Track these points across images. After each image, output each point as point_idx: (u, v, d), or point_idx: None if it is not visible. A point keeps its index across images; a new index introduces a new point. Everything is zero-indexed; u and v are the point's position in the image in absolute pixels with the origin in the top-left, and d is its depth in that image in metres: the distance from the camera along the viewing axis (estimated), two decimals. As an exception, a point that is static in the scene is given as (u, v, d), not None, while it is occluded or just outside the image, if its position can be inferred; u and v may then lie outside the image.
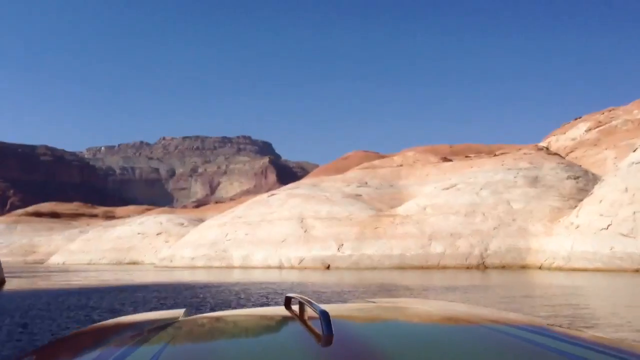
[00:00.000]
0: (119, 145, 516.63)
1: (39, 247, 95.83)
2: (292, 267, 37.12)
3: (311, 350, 1.04)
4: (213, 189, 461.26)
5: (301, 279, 26.16)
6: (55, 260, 76.84)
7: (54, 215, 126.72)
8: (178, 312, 1.64)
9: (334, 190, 45.68)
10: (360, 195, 44.33)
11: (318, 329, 1.10)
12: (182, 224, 69.11)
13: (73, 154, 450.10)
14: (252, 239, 41.27)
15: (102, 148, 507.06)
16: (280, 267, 37.79)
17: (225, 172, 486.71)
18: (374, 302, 1.80)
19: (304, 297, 1.36)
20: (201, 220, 70.90)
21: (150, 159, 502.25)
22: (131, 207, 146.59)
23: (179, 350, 1.13)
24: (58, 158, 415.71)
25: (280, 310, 1.53)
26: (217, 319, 1.57)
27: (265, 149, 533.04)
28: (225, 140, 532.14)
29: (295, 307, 1.44)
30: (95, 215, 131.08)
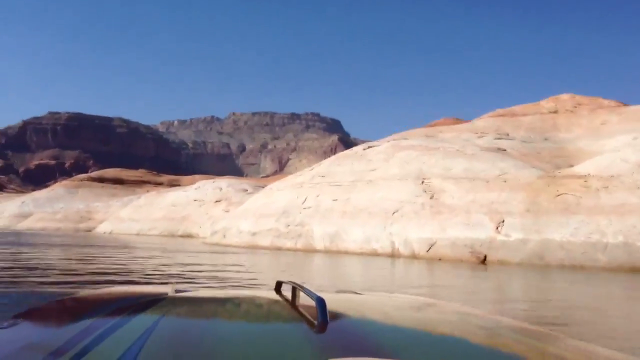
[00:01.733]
0: (190, 119, 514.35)
1: (95, 213, 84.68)
2: (414, 256, 21.86)
3: (306, 336, 1.01)
4: (282, 166, 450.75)
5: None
6: (104, 228, 64.72)
7: (118, 181, 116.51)
8: (167, 288, 1.55)
9: (462, 143, 29.98)
10: (505, 150, 28.44)
11: (312, 316, 1.07)
12: (246, 190, 55.03)
13: (147, 127, 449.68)
14: (344, 208, 26.22)
15: (175, 122, 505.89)
16: (393, 255, 22.61)
17: (294, 149, 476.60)
18: (373, 294, 1.75)
19: (297, 282, 1.33)
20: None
21: (221, 133, 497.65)
22: (197, 177, 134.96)
23: (171, 325, 1.10)
24: (133, 130, 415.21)
25: (272, 294, 1.48)
26: (209, 298, 1.55)
27: (334, 126, 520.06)
28: (294, 117, 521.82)
29: (287, 293, 1.41)
30: (160, 184, 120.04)
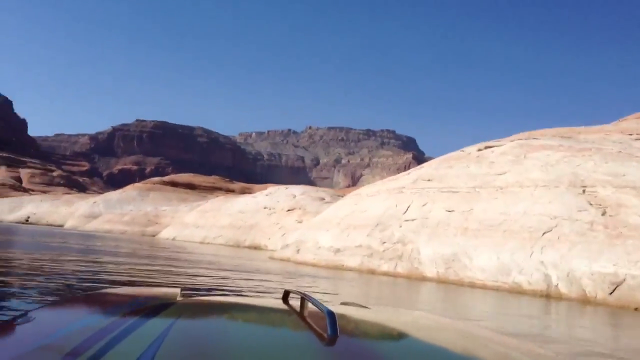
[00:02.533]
0: (268, 131, 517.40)
1: (162, 217, 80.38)
2: (585, 299, 13.94)
3: (317, 348, 0.99)
4: (355, 181, 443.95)
5: None
6: (167, 234, 59.59)
7: (190, 186, 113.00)
8: (175, 292, 1.54)
9: (617, 145, 21.81)
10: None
11: (320, 328, 1.05)
12: (323, 199, 48.12)
13: (226, 137, 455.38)
14: (465, 223, 18.63)
15: (253, 133, 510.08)
16: (548, 294, 14.75)
17: (367, 165, 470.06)
18: (380, 308, 1.77)
19: (306, 294, 1.31)
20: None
21: (297, 146, 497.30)
22: (270, 186, 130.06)
23: (183, 330, 1.09)
24: (213, 140, 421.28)
25: (279, 304, 1.47)
26: (218, 304, 1.54)
27: (408, 143, 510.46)
28: (369, 133, 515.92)
29: (294, 303, 1.40)
30: (232, 191, 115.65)
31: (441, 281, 17.28)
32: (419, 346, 1.14)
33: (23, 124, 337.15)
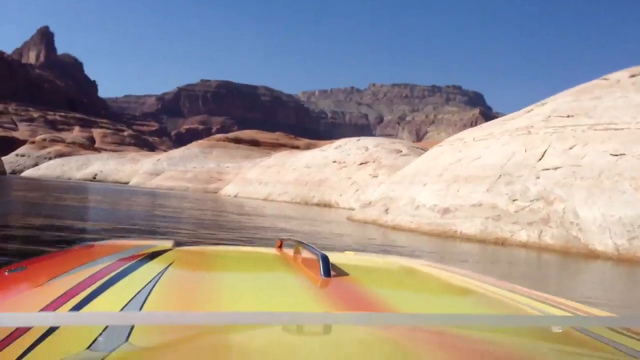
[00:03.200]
0: (331, 89, 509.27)
1: (225, 174, 76.51)
2: None
3: (309, 289, 1.00)
4: (420, 138, 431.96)
5: None
6: (228, 190, 55.19)
7: (254, 142, 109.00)
8: (168, 242, 1.54)
9: None
10: None
11: (315, 272, 1.05)
12: (400, 151, 41.98)
13: (289, 96, 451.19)
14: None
15: (316, 92, 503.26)
16: None
17: (432, 122, 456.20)
18: (369, 254, 1.79)
19: (300, 240, 1.34)
20: (424, 151, 43.38)
21: (360, 104, 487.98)
22: (336, 142, 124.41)
23: (177, 274, 1.10)
24: (276, 99, 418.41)
25: (273, 251, 1.51)
26: (211, 251, 1.55)
27: (475, 99, 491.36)
28: (434, 89, 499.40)
29: (289, 250, 1.45)
30: (296, 147, 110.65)
31: (622, 259, 11.20)
32: (411, 290, 1.15)
33: (93, 85, 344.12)
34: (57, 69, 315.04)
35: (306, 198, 43.24)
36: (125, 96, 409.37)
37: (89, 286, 0.89)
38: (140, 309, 0.79)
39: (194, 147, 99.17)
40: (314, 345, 0.63)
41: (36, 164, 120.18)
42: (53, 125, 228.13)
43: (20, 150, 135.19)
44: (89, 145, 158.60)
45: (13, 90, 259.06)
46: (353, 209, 36.16)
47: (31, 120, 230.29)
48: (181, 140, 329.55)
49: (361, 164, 41.29)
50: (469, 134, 21.10)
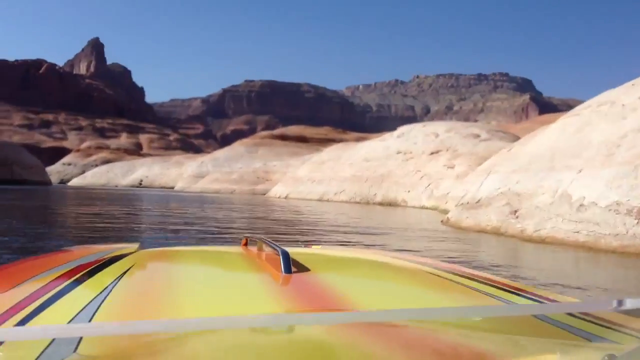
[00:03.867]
0: (375, 83, 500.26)
1: (272, 173, 70.91)
2: None
3: (270, 287, 1.00)
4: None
5: None
6: (277, 191, 49.32)
7: (301, 139, 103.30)
8: (133, 246, 1.54)
9: None
10: None
11: (277, 269, 1.05)
12: (477, 135, 34.99)
13: (334, 91, 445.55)
14: None
15: (360, 86, 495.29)
16: None
17: (481, 110, 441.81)
18: (333, 246, 1.87)
19: (263, 237, 1.34)
20: (506, 134, 36.11)
21: (405, 96, 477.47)
22: (387, 134, 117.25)
23: (135, 279, 1.08)
24: (320, 95, 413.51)
25: (238, 249, 1.51)
26: (175, 252, 1.53)
27: (524, 85, 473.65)
28: (480, 77, 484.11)
29: (253, 248, 1.45)
30: (346, 142, 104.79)
31: None
32: (372, 283, 1.15)
33: (141, 91, 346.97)
34: (107, 78, 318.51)
35: (367, 196, 36.90)
36: (171, 100, 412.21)
37: (38, 298, 0.85)
38: (92, 318, 0.76)
39: (238, 147, 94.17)
40: (270, 347, 0.62)
41: (83, 172, 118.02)
42: (101, 133, 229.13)
43: (66, 159, 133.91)
44: (135, 151, 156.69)
45: (63, 101, 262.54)
46: (426, 207, 29.61)
47: (80, 129, 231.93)
48: (227, 141, 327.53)
49: (432, 153, 34.61)
50: (622, 94, 14.23)
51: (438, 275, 1.17)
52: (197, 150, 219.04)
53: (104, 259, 1.23)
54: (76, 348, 0.60)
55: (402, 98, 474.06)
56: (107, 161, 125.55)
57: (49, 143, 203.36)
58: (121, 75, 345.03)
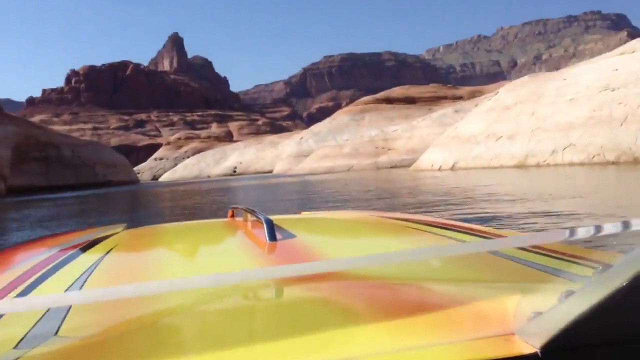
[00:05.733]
0: (456, 42, 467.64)
1: (393, 140, 54.40)
2: None
3: (254, 254, 1.00)
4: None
5: None
6: (433, 160, 32.48)
7: (409, 100, 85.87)
8: (119, 227, 1.52)
9: None
10: None
11: (262, 237, 1.04)
12: None
13: (414, 56, 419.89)
14: None
15: (441, 47, 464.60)
16: None
17: (573, 55, 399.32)
18: (317, 212, 1.76)
19: (248, 207, 1.32)
20: None
21: (489, 51, 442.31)
22: (506, 83, 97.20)
23: (122, 254, 1.08)
24: (401, 62, 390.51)
25: (224, 221, 1.49)
26: (160, 228, 1.52)
27: (618, 22, 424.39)
28: (570, 20, 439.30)
29: (239, 218, 1.43)
30: (459, 97, 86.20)
31: None
32: (355, 244, 1.16)
33: (225, 81, 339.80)
34: (191, 71, 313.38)
35: (629, 149, 19.49)
36: (255, 86, 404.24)
37: (23, 282, 0.85)
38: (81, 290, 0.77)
39: (341, 115, 78.26)
40: (245, 308, 0.63)
41: (175, 165, 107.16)
42: (192, 126, 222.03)
43: (157, 154, 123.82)
44: (225, 138, 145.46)
45: (153, 99, 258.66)
46: None
47: (172, 124, 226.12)
48: (313, 120, 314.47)
49: None
50: None
51: (414, 228, 1.18)
52: (286, 132, 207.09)
53: (91, 240, 1.22)
54: (57, 332, 0.60)
55: (486, 54, 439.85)
56: (198, 151, 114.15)
57: (145, 141, 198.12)
58: (203, 67, 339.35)
